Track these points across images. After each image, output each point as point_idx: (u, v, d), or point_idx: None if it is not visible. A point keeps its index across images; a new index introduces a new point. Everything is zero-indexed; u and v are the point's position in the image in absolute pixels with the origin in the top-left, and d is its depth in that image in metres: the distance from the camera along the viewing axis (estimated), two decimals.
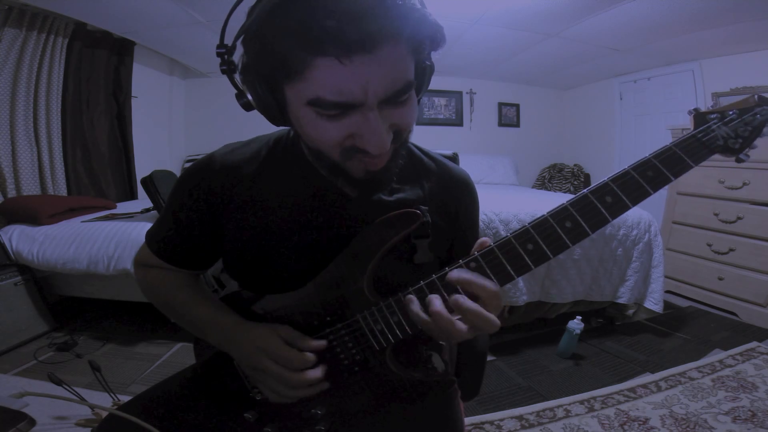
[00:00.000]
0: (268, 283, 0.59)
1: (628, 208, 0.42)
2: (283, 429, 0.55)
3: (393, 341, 0.50)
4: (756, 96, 0.44)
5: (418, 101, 0.49)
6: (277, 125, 0.50)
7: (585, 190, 0.43)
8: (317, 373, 0.50)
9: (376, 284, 0.53)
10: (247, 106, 0.47)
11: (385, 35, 0.37)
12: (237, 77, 0.46)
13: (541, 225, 0.43)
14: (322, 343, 0.52)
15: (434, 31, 0.43)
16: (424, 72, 0.48)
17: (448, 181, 0.63)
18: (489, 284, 0.43)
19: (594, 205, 0.42)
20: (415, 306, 0.46)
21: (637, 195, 0.41)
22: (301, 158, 0.56)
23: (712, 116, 0.44)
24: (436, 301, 0.44)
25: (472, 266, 0.45)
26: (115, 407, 0.60)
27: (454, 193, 0.63)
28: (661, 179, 0.41)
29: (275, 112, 0.46)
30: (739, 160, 0.44)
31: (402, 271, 0.56)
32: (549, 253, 0.43)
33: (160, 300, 0.64)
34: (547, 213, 0.43)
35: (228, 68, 0.46)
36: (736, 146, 0.42)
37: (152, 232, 0.63)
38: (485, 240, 0.46)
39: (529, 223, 0.44)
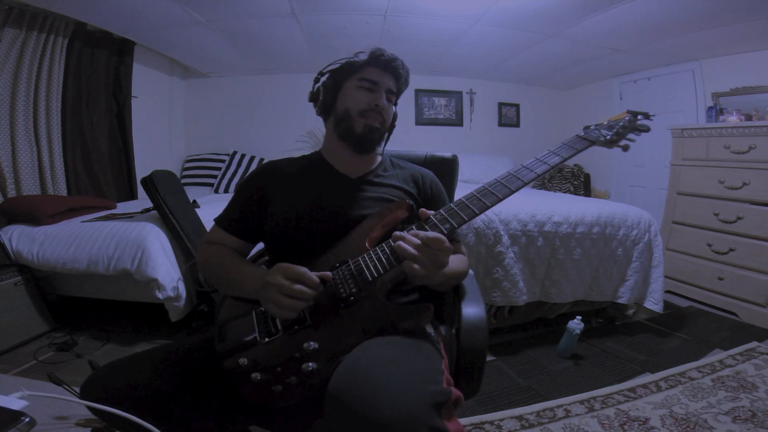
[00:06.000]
0: (296, 256, 0.75)
1: (500, 200, 0.68)
2: (270, 373, 0.63)
3: (382, 272, 0.66)
4: (626, 110, 0.80)
5: (394, 121, 0.93)
6: (325, 113, 0.91)
7: (483, 184, 0.70)
8: (313, 291, 0.65)
9: None
10: (312, 98, 0.92)
11: (392, 68, 0.87)
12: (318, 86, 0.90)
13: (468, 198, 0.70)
14: (327, 273, 0.67)
15: (405, 83, 0.92)
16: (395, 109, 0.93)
17: (414, 171, 0.97)
18: (431, 235, 0.63)
19: (487, 190, 0.70)
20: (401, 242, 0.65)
21: (516, 186, 0.69)
22: (321, 161, 0.92)
23: (592, 125, 0.79)
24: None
25: (438, 217, 0.68)
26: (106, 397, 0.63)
27: (418, 178, 0.95)
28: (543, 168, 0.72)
29: (329, 98, 0.88)
30: (625, 148, 0.78)
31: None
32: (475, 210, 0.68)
33: (212, 268, 0.84)
34: (464, 196, 0.70)
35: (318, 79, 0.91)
36: (609, 137, 0.75)
37: (222, 216, 0.91)
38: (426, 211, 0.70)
39: (475, 190, 0.70)
